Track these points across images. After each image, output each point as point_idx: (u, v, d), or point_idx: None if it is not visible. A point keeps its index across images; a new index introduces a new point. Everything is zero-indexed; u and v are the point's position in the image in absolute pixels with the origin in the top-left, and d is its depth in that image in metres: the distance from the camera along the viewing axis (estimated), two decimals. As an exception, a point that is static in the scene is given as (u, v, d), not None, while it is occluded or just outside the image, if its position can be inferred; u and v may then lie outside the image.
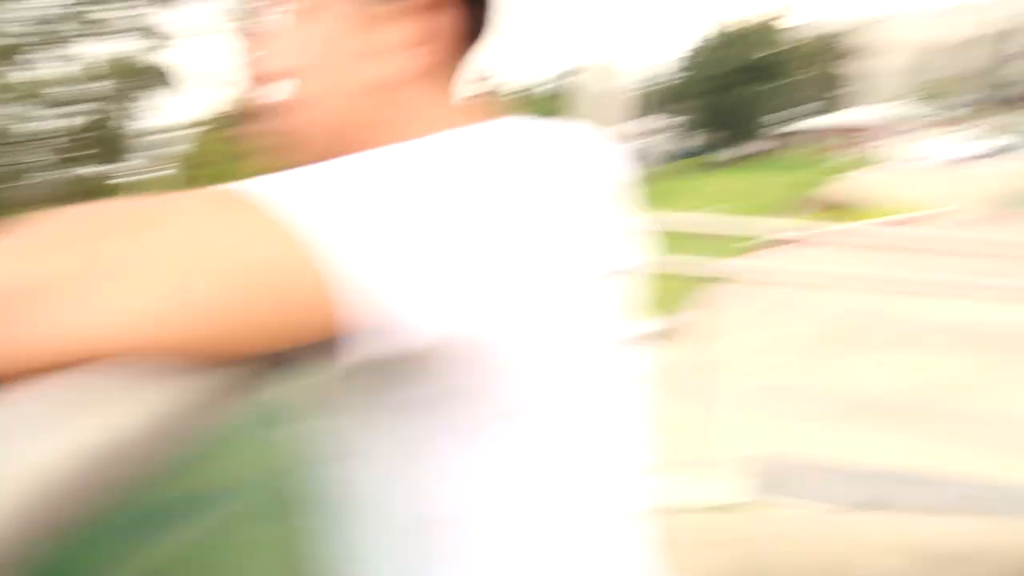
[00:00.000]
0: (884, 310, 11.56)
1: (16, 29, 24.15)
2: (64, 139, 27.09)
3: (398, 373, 0.49)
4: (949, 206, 23.70)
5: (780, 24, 47.38)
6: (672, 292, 13.13)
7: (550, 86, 46.88)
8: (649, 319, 1.58)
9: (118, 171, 29.68)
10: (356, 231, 0.42)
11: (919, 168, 34.88)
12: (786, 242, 16.24)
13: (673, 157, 44.70)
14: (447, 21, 0.59)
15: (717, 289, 13.98)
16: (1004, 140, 39.33)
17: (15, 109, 24.64)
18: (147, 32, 29.27)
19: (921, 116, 49.37)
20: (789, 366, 10.72)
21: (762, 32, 46.04)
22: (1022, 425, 5.99)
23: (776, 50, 45.90)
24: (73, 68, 25.92)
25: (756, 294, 12.71)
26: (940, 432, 7.06)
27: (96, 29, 28.02)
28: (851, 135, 46.62)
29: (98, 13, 27.68)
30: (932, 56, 65.86)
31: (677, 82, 48.33)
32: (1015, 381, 8.32)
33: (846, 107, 55.53)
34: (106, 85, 28.63)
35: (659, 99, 48.03)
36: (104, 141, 28.10)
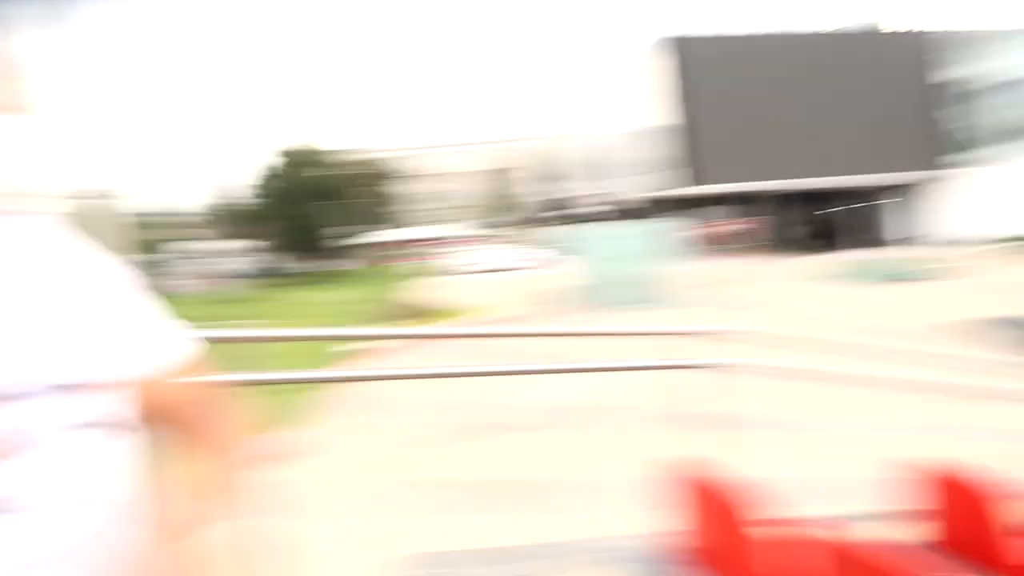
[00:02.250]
0: (482, 401, 12.75)
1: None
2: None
3: None
4: (507, 307, 26.74)
5: (344, 150, 51.25)
6: (279, 406, 13.15)
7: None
8: (267, 436, 2.22)
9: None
10: None
11: (473, 277, 40.60)
12: (375, 349, 13.95)
13: (248, 276, 45.46)
14: None
15: (322, 398, 12.76)
16: (536, 254, 45.89)
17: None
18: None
19: (470, 233, 57.05)
20: (412, 463, 10.82)
21: (324, 157, 48.75)
22: (616, 489, 6.95)
23: (340, 173, 48.51)
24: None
25: (358, 399, 13.80)
26: (558, 504, 7.98)
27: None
28: (414, 249, 55.98)
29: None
30: (475, 181, 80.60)
31: (250, 205, 48.14)
32: (605, 451, 9.85)
33: (409, 224, 64.97)
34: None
35: (235, 221, 49.07)
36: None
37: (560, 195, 72.61)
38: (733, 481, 4.37)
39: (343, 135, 61.97)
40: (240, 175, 53.08)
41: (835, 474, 9.63)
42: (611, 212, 67.46)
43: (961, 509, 4.48)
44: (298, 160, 48.46)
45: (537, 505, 8.65)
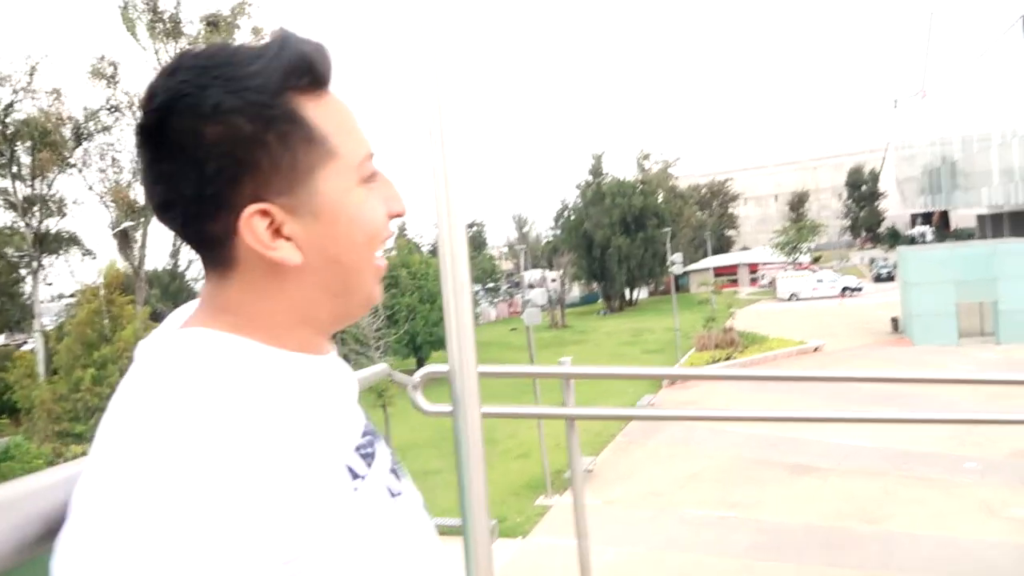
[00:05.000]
0: (786, 438, 12.91)
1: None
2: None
3: None
4: (827, 337, 26.15)
5: (659, 176, 53.55)
6: (591, 434, 14.21)
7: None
8: (572, 461, 2.19)
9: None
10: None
11: (792, 304, 40.67)
12: (688, 379, 18.43)
13: (571, 304, 46.39)
14: None
15: (630, 428, 14.34)
16: (860, 279, 46.17)
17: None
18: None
19: (788, 258, 53.36)
20: (704, 500, 11.14)
21: (643, 184, 49.70)
22: (925, 546, 6.89)
23: (658, 200, 49.57)
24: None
25: (666, 431, 13.98)
26: (854, 560, 7.77)
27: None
28: (729, 275, 55.37)
29: None
30: (794, 203, 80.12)
31: (568, 234, 48.90)
32: (914, 503, 9.64)
33: (724, 250, 68.22)
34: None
35: (554, 251, 51.01)
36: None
37: (891, 214, 67.36)
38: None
39: (666, 158, 61.87)
40: (560, 203, 55.92)
41: None
42: (946, 232, 61.02)
43: None
44: (618, 188, 48.85)
45: (831, 556, 8.63)
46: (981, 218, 58.68)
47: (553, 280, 46.68)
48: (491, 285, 50.83)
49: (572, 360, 2.39)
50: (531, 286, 45.51)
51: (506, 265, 65.36)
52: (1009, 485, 10.96)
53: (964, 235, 58.75)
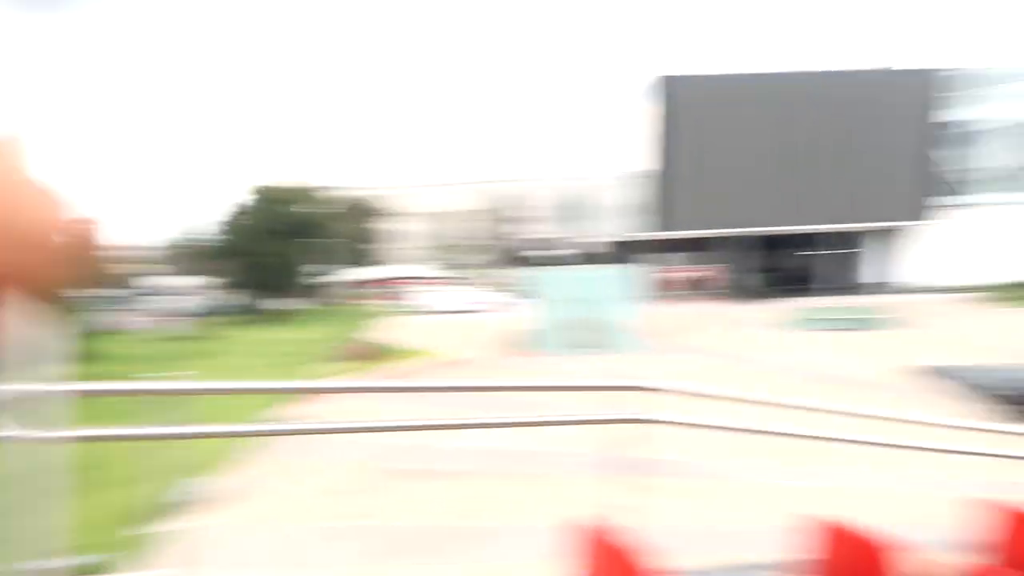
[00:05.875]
0: (417, 446, 13.15)
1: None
2: None
3: None
4: (464, 349, 27.68)
5: (312, 188, 49.28)
6: (213, 453, 13.44)
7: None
8: (194, 483, 2.56)
9: None
10: None
11: (436, 318, 41.53)
12: (323, 391, 15.39)
13: (211, 313, 44.94)
14: None
15: (262, 445, 13.53)
16: (500, 295, 47.71)
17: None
18: None
19: (435, 273, 57.92)
20: (334, 511, 11.23)
21: (294, 194, 47.47)
22: (548, 534, 6.49)
23: (308, 211, 47.57)
24: None
25: (298, 444, 13.99)
26: (460, 552, 8.31)
27: None
28: (378, 288, 56.76)
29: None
30: (442, 222, 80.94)
31: (215, 242, 47.60)
32: (539, 499, 10.30)
33: (373, 263, 66.63)
34: None
35: (198, 258, 49.03)
36: None
37: (530, 238, 74.41)
38: (634, 533, 4.48)
39: (319, 172, 61.49)
40: (210, 211, 53.10)
41: (742, 524, 10.18)
42: (577, 255, 68.72)
43: (852, 561, 4.73)
44: (270, 196, 47.61)
45: (454, 554, 9.09)
46: (621, 244, 67.08)
47: (201, 289, 43.69)
48: (115, 293, 45.52)
49: (197, 374, 2.21)
50: (160, 294, 42.02)
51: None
52: (599, 478, 12.45)
53: (606, 258, 66.55)
